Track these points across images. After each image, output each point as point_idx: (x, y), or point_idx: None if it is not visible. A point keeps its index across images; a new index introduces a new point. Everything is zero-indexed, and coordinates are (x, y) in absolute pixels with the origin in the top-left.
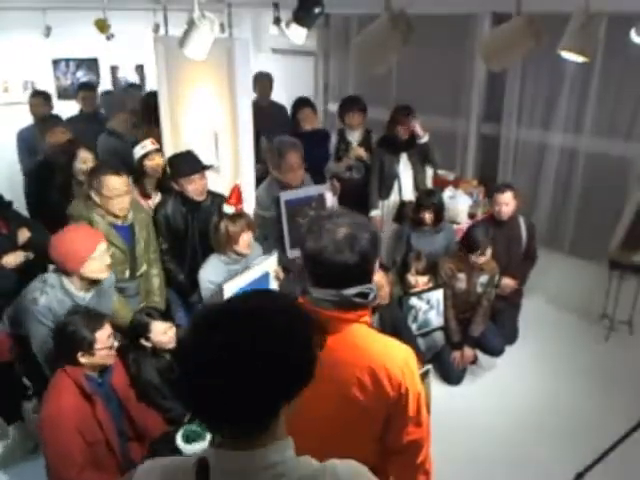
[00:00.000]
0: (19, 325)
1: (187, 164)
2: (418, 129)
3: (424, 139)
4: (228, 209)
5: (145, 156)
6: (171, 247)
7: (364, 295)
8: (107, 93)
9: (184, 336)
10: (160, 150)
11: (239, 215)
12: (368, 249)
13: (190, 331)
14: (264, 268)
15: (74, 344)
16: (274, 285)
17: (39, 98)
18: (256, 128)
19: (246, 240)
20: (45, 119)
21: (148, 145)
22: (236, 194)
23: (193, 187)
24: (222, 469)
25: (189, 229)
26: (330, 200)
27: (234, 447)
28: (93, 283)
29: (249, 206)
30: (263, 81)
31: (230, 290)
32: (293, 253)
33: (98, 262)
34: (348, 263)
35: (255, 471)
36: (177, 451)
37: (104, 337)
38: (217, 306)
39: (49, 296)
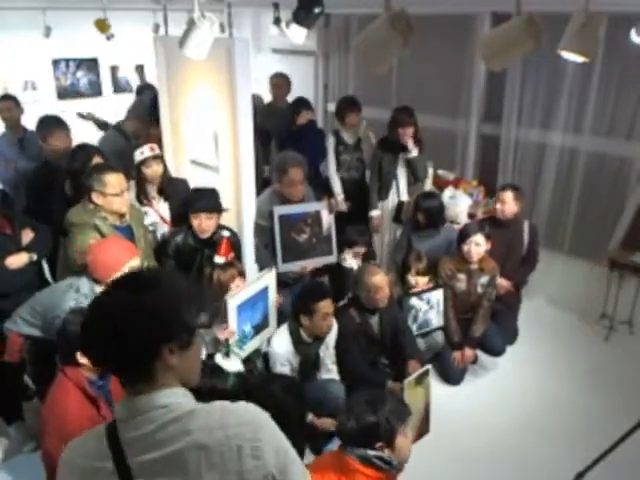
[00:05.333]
0: (45, 331)
1: (201, 200)
2: (410, 144)
3: (413, 154)
4: (219, 260)
5: (142, 163)
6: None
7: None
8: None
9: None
10: (160, 157)
11: (230, 264)
12: None
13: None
14: (264, 283)
15: (73, 342)
16: (273, 301)
17: (8, 102)
18: (266, 128)
19: (239, 286)
20: (47, 121)
21: (146, 151)
22: (225, 246)
23: (197, 223)
24: (120, 417)
25: (194, 264)
26: (326, 217)
27: (128, 394)
28: None
29: (248, 206)
30: (278, 81)
31: (234, 304)
32: (285, 267)
33: None
34: None
35: (143, 413)
36: (218, 369)
37: None
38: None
39: (84, 305)
